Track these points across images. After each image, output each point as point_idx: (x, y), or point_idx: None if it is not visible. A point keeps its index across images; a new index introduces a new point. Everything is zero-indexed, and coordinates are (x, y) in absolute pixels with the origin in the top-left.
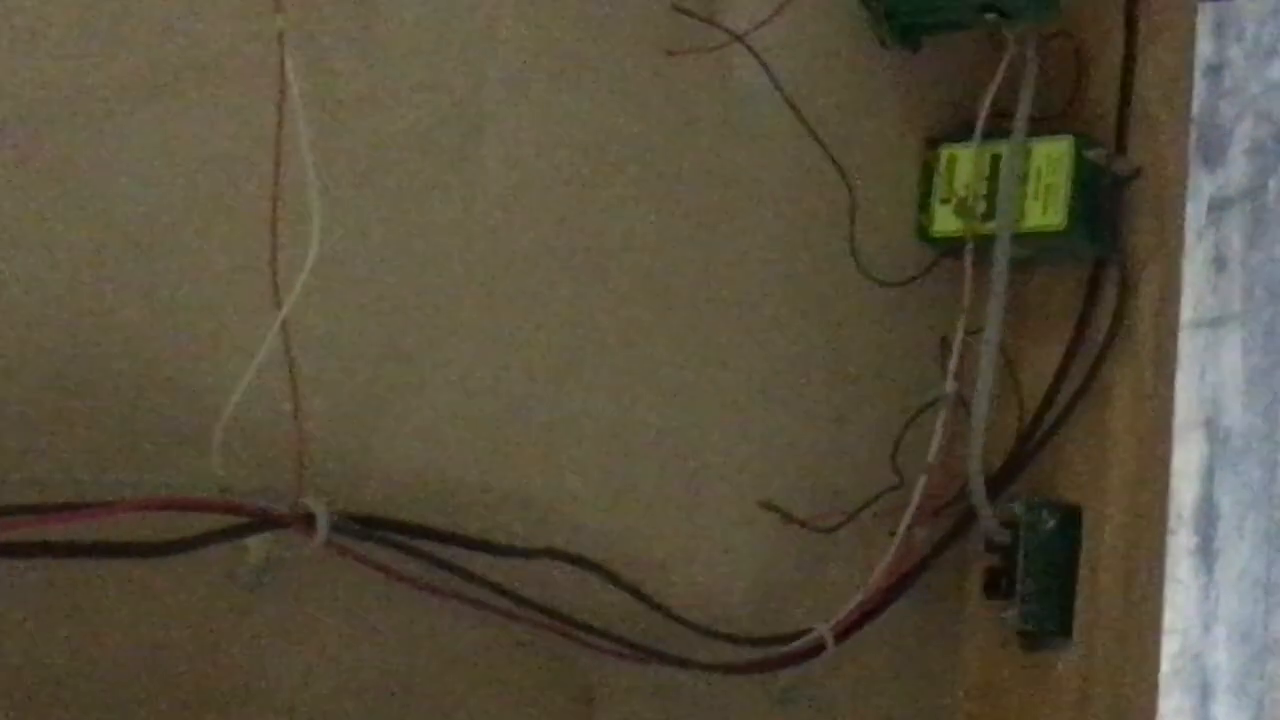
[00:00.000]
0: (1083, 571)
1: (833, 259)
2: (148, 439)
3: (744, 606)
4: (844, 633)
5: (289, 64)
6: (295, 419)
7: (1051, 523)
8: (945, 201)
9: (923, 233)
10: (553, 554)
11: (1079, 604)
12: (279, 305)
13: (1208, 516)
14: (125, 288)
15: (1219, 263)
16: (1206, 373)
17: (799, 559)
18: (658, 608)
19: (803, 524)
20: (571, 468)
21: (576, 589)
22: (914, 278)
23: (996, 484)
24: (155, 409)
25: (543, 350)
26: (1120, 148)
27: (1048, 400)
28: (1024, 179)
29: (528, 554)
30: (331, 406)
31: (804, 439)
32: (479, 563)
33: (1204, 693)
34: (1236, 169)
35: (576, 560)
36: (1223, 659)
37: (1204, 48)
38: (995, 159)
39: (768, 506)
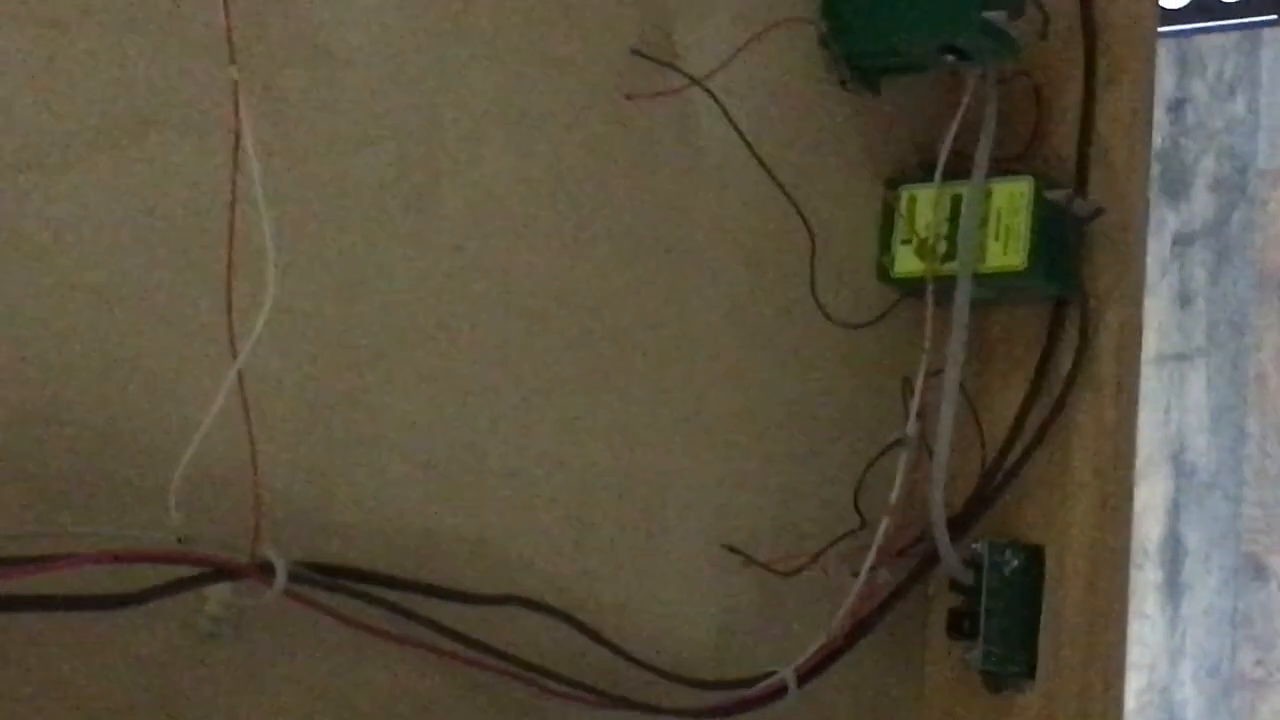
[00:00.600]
0: (1046, 611)
1: (793, 301)
2: (103, 491)
3: (706, 650)
4: (807, 675)
5: (243, 113)
6: (252, 469)
7: (1015, 562)
8: (906, 242)
9: (884, 274)
10: (516, 600)
11: (1043, 643)
12: (235, 355)
13: (1174, 551)
14: (78, 341)
15: (1183, 298)
16: (1171, 408)
17: (761, 601)
18: (620, 653)
19: (765, 566)
20: (531, 513)
21: (539, 635)
22: (875, 319)
23: (959, 524)
24: (110, 461)
25: (501, 396)
26: (1081, 187)
27: (1010, 440)
28: (985, 220)
29: (491, 601)
30: (289, 455)
31: (765, 481)
32: (440, 610)
33: None
34: (1200, 204)
35: (540, 607)
36: (1190, 693)
37: (1166, 84)
38: (956, 199)
39: (729, 549)
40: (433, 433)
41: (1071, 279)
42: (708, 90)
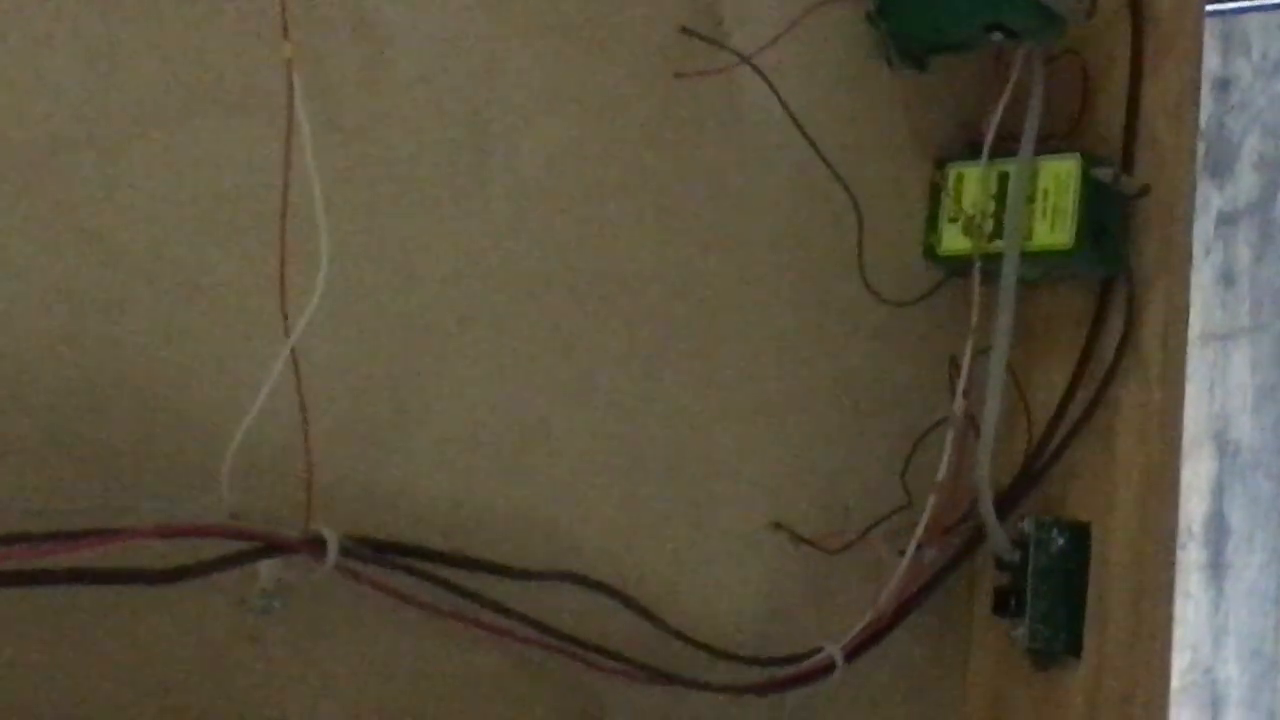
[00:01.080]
0: (1092, 589)
1: (840, 279)
2: (155, 468)
3: (753, 627)
4: (853, 652)
5: (296, 91)
6: (304, 446)
7: (1060, 541)
8: (953, 221)
9: (930, 252)
10: (567, 576)
11: (1088, 621)
12: (287, 332)
13: (1218, 531)
14: (132, 317)
15: (1227, 278)
16: (1215, 388)
17: (808, 579)
18: (668, 629)
19: (812, 544)
20: (580, 490)
21: (587, 611)
22: (922, 297)
23: (1005, 502)
24: (163, 437)
25: (551, 374)
26: (1127, 165)
27: (1056, 418)
28: (1032, 198)
29: (543, 577)
30: (341, 432)
31: (813, 459)
32: (490, 586)
33: (1215, 707)
34: (1244, 183)
35: (590, 583)
36: (1234, 673)
37: (1212, 63)
38: (1003, 178)
39: (777, 526)
40: (483, 411)
41: (1117, 258)
42: (756, 68)
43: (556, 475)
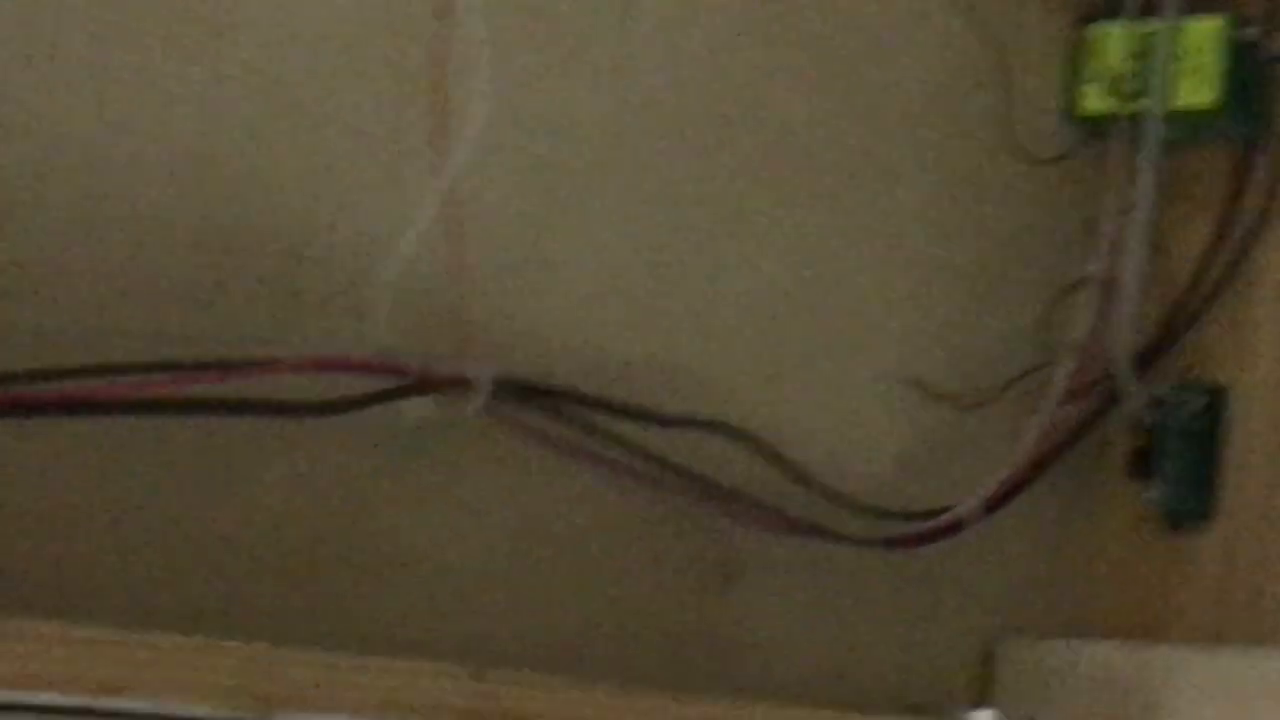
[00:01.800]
0: (1227, 453)
1: (981, 134)
2: (306, 301)
3: (886, 481)
4: (986, 510)
5: None
6: (456, 285)
7: (1197, 403)
8: (1095, 80)
9: (1072, 111)
10: (712, 425)
11: (1222, 486)
12: (441, 171)
13: None
14: (286, 148)
15: None
16: None
17: (942, 435)
18: (805, 480)
19: (947, 400)
20: (718, 337)
21: (724, 459)
22: (1062, 156)
23: (1142, 364)
24: (313, 273)
25: (693, 222)
26: (1273, 27)
27: (1195, 281)
28: (1176, 58)
29: (688, 424)
30: (491, 274)
31: (950, 314)
32: (631, 433)
33: None
34: None
35: (735, 432)
36: None
37: None
38: (1147, 37)
39: (911, 382)
40: (626, 257)
41: (1262, 120)
42: None
43: (695, 320)
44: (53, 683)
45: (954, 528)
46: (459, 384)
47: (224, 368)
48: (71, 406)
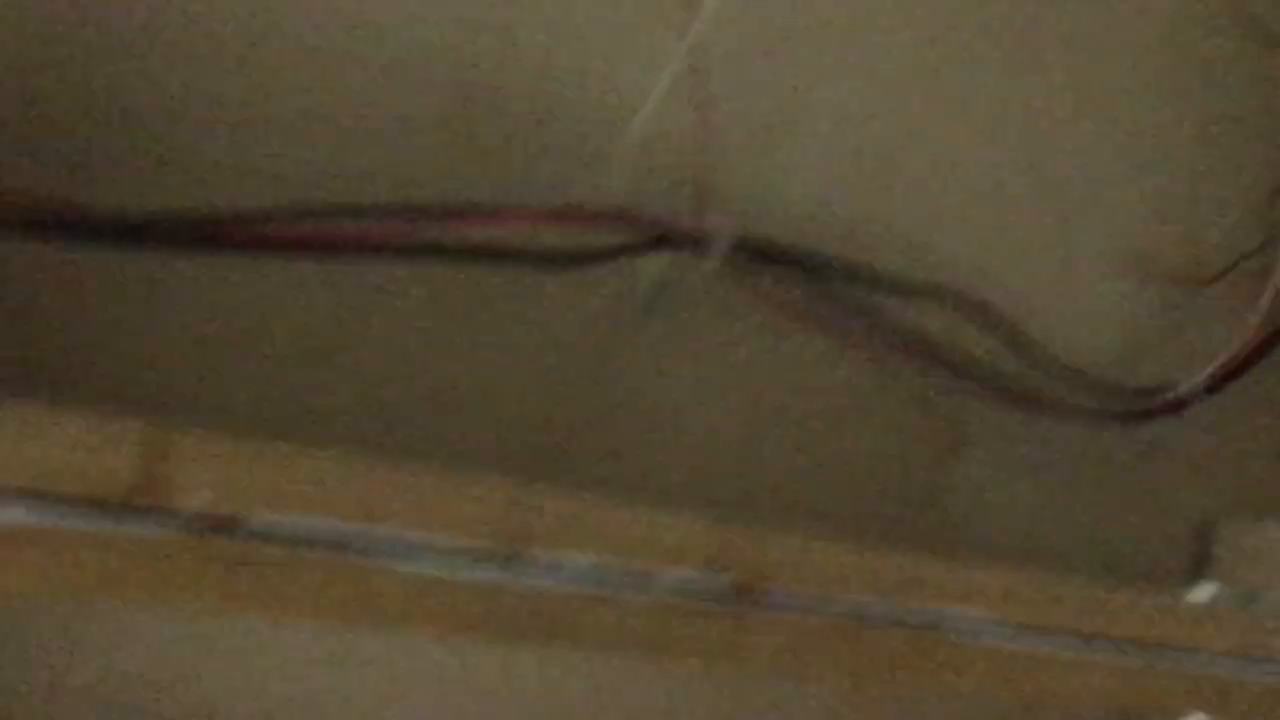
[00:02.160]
0: None
1: (1212, 18)
2: (550, 155)
3: (1110, 357)
4: (1208, 390)
5: None
6: (698, 141)
7: None
8: None
9: None
10: (945, 293)
11: None
12: (689, 27)
13: None
14: (539, 7)
15: None
16: None
17: (1166, 314)
18: (1032, 352)
19: (1172, 279)
20: (948, 208)
21: (952, 331)
22: None
23: None
24: (557, 127)
25: (925, 93)
26: None
27: None
28: None
29: (920, 292)
30: (731, 134)
31: (1176, 193)
32: (860, 298)
33: None
34: None
35: (965, 301)
36: None
37: None
38: None
39: (1137, 259)
40: (861, 125)
41: None
42: None
43: (926, 191)
44: (312, 506)
45: (1176, 405)
46: (697, 241)
47: (464, 213)
48: (313, 247)
